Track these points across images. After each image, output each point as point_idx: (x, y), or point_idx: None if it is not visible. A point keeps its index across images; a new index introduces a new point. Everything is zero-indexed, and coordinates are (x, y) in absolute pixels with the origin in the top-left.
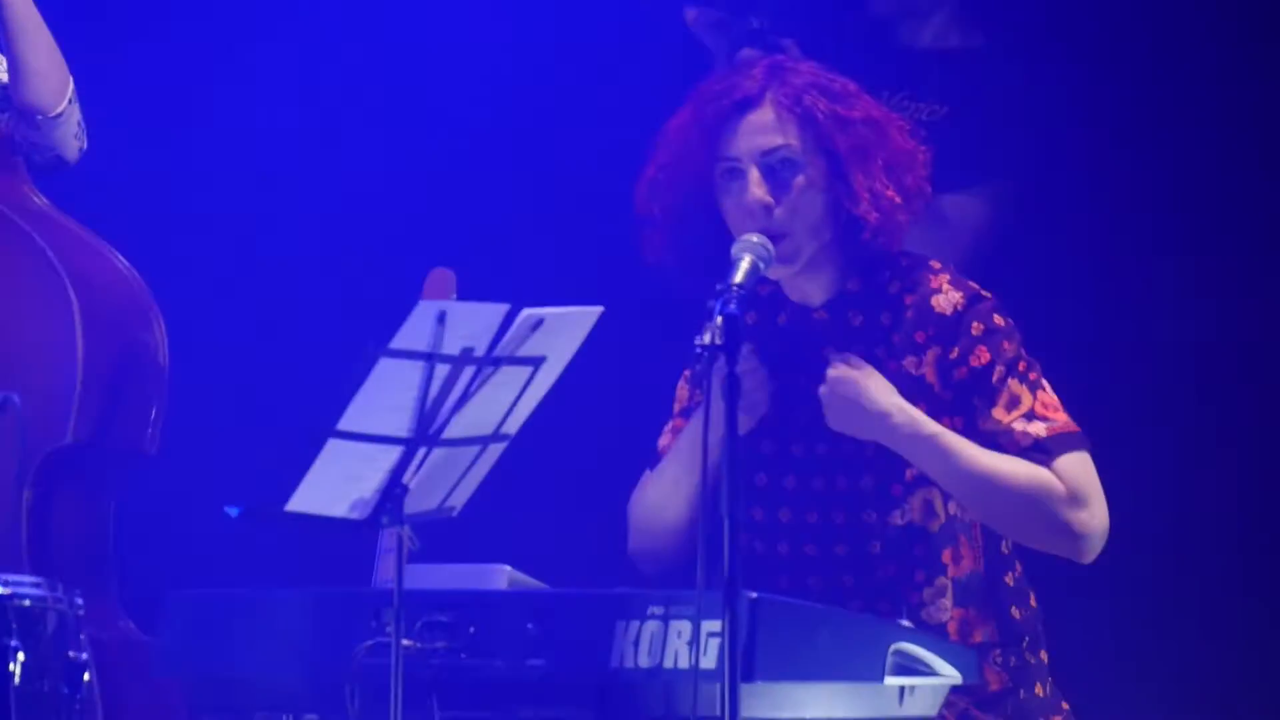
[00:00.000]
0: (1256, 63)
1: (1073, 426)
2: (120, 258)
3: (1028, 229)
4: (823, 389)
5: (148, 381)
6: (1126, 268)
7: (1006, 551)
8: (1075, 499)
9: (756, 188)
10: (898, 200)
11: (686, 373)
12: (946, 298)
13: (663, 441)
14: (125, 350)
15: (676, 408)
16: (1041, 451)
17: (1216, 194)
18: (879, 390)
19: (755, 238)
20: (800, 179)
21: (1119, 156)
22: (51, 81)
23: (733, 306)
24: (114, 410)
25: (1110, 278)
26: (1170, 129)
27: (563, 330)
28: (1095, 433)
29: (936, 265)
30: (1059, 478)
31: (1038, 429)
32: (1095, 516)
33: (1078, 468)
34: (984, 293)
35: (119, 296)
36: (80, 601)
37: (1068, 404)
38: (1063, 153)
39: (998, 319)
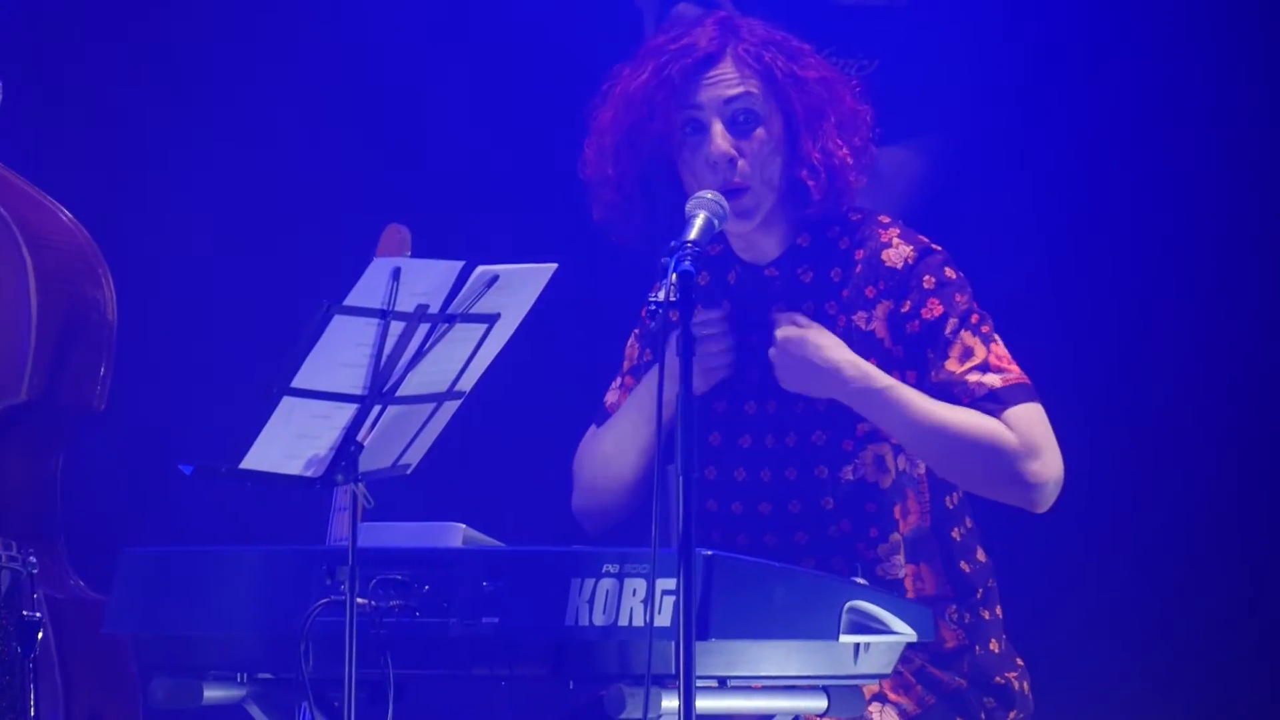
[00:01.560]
0: (1195, 5)
1: (1025, 379)
2: (66, 213)
3: (960, 182)
4: (772, 351)
5: (97, 338)
6: (1062, 220)
7: (951, 507)
8: (1028, 450)
9: (721, 139)
10: (849, 161)
11: (636, 330)
12: (897, 251)
13: (610, 398)
14: (76, 307)
15: (626, 365)
16: (995, 401)
17: (1153, 143)
18: (829, 346)
19: (710, 194)
20: (761, 130)
21: (1051, 107)
22: None
23: (687, 264)
24: (65, 367)
25: (1044, 229)
26: (1105, 78)
27: (517, 287)
28: (1037, 385)
29: (885, 219)
30: (1011, 428)
31: (992, 380)
32: (1048, 467)
33: (1031, 418)
34: (934, 246)
35: (69, 253)
36: (35, 560)
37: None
38: (995, 105)
39: (949, 272)
